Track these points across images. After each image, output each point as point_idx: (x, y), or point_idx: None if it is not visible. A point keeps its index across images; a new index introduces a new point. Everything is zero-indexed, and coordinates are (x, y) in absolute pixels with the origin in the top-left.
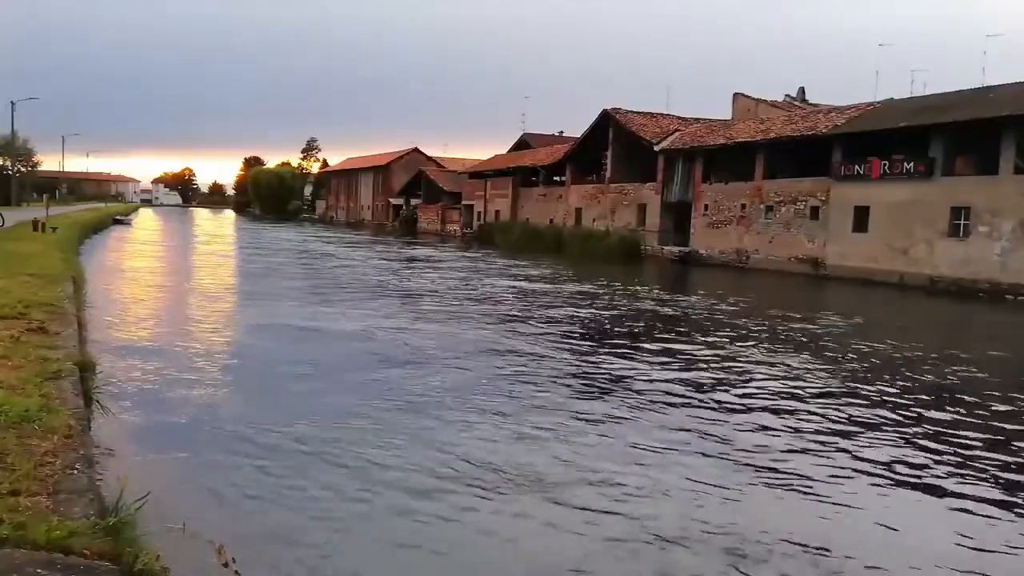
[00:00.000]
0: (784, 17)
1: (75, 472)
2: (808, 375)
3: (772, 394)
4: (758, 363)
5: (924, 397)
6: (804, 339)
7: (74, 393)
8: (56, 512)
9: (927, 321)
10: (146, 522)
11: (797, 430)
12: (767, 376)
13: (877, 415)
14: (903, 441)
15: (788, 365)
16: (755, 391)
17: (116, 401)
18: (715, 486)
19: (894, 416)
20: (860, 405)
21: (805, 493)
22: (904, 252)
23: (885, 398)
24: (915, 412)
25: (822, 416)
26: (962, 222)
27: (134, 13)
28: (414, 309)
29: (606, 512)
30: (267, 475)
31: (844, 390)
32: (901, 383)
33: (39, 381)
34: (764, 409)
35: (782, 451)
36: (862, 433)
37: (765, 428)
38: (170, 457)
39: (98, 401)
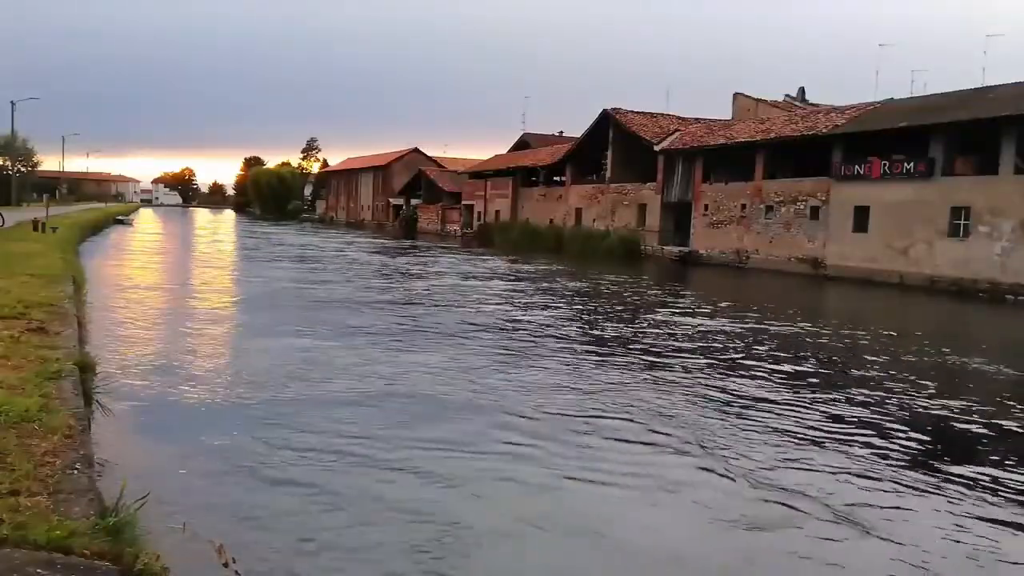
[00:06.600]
0: (784, 17)
1: (75, 472)
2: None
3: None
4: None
5: None
6: None
7: (74, 393)
8: (56, 512)
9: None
10: (146, 522)
11: None
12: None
13: None
14: None
15: None
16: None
17: (116, 401)
18: None
19: None
20: None
21: None
22: (904, 252)
23: None
24: None
25: None
26: (962, 222)
27: (134, 13)
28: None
29: None
30: (268, 474)
31: None
32: None
33: (39, 381)
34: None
35: None
36: None
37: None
38: (170, 457)
39: (98, 401)
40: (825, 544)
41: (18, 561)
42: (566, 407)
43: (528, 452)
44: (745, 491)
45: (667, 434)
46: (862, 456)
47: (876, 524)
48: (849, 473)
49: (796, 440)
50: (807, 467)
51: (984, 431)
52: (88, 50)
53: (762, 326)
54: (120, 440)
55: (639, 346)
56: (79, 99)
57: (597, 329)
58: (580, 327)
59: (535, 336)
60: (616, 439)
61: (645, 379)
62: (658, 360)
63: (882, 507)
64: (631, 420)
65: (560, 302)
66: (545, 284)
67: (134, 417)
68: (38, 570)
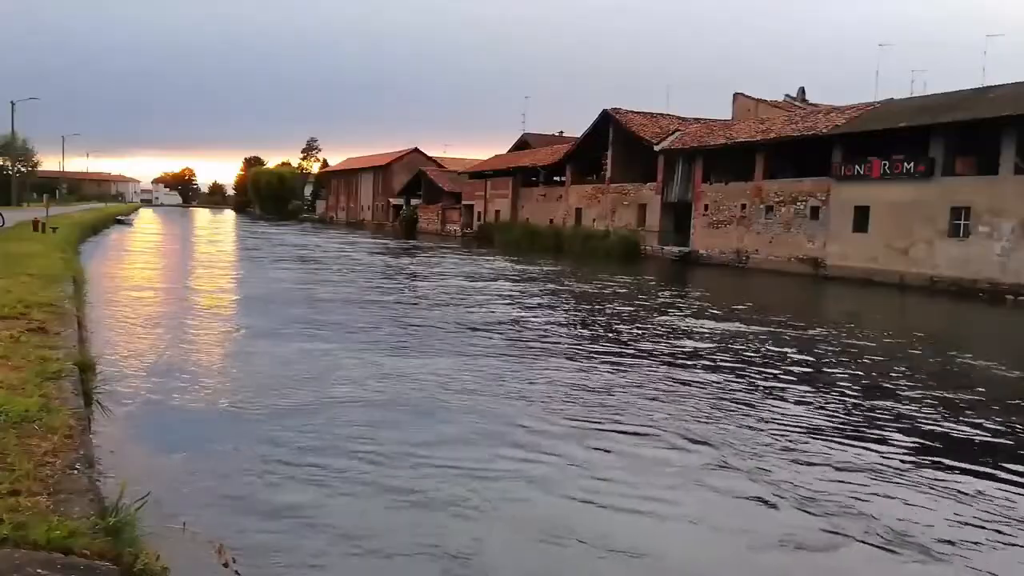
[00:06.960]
0: (784, 17)
1: (75, 472)
2: None
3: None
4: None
5: None
6: None
7: (74, 393)
8: (56, 512)
9: None
10: (146, 522)
11: None
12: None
13: None
14: None
15: None
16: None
17: (116, 401)
18: None
19: None
20: None
21: None
22: (904, 252)
23: None
24: None
25: None
26: (962, 222)
27: (134, 13)
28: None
29: None
30: (268, 475)
31: None
32: None
33: (39, 381)
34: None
35: None
36: None
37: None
38: (170, 457)
39: (98, 401)
40: (877, 569)
41: (18, 561)
42: (583, 416)
43: (545, 468)
44: (783, 510)
45: (692, 449)
46: (907, 471)
47: (931, 546)
48: (894, 497)
49: (829, 453)
50: (845, 482)
51: None
52: (88, 50)
53: (769, 328)
54: (120, 440)
55: (650, 350)
56: (79, 99)
57: (603, 331)
58: (587, 329)
59: (543, 339)
60: (637, 453)
61: (660, 387)
62: (672, 364)
63: (935, 533)
64: (651, 432)
65: (564, 304)
66: (548, 285)
67: (134, 417)
68: (38, 570)
